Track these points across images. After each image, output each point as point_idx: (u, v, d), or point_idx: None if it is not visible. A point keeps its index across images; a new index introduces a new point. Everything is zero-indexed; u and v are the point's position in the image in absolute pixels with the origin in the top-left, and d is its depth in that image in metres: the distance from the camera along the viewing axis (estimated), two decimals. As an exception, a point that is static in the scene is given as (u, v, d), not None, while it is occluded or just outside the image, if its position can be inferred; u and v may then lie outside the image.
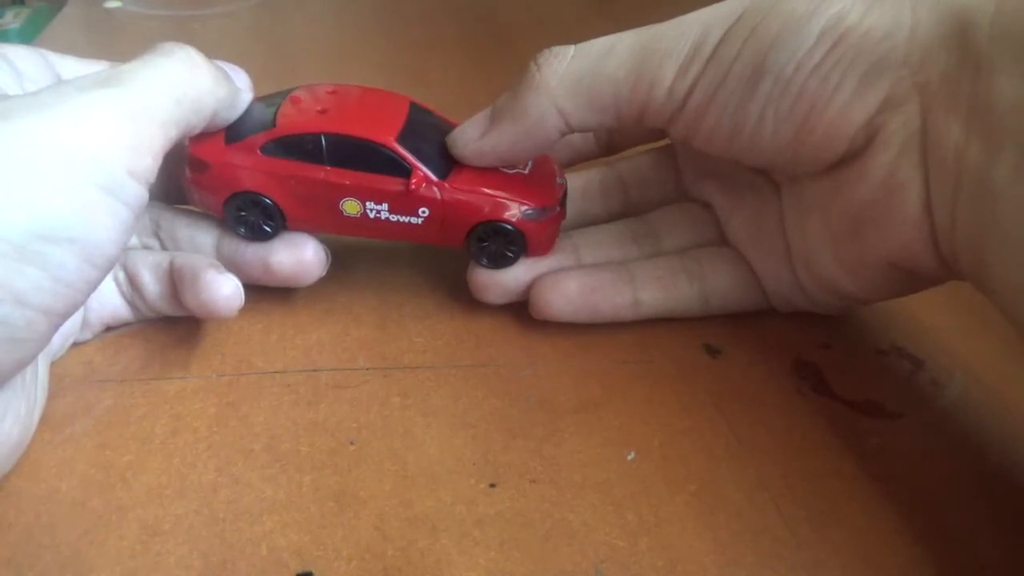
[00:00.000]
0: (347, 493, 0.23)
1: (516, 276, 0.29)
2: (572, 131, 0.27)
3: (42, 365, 0.24)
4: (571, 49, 0.26)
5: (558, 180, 0.29)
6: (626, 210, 0.33)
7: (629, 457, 0.24)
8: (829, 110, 0.24)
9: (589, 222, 0.33)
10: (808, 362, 0.29)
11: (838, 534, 0.22)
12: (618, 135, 0.34)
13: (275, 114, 0.27)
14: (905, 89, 0.23)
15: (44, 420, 0.24)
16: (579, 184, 0.33)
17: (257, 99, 0.27)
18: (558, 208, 0.29)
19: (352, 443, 0.24)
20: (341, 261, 0.30)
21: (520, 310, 0.30)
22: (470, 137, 0.27)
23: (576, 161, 0.34)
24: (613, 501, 0.23)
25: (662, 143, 0.34)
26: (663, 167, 0.33)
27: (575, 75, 0.25)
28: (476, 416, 0.26)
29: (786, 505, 0.23)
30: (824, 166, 0.26)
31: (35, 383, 0.23)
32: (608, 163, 0.34)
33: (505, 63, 0.55)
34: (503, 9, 0.66)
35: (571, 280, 0.28)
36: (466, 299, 0.30)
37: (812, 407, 0.27)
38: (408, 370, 0.27)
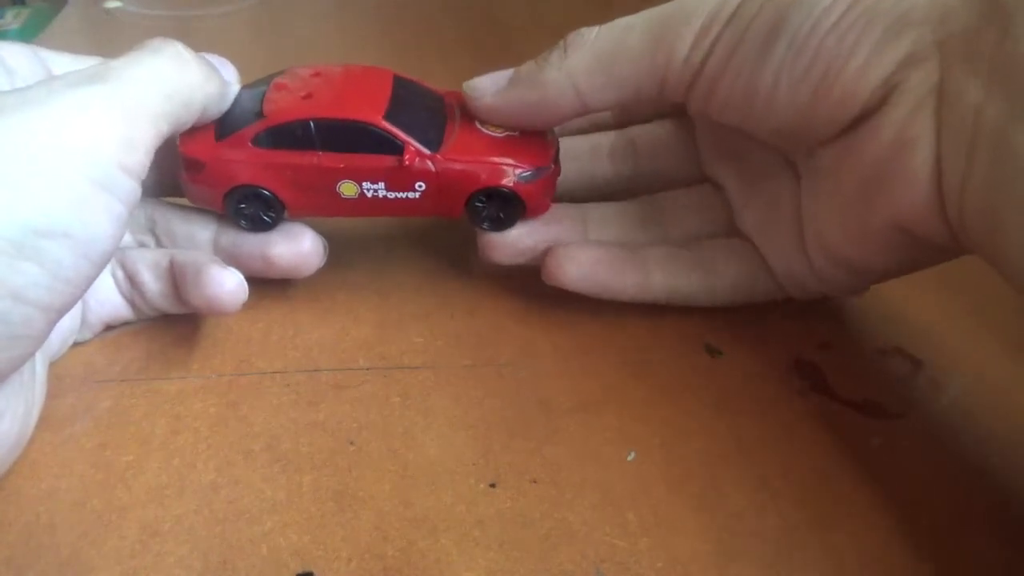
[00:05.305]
0: (347, 493, 0.23)
1: (519, 236, 0.29)
2: (588, 111, 0.27)
3: (40, 364, 0.24)
4: (596, 29, 0.27)
5: (548, 137, 0.29)
6: (635, 177, 0.33)
7: (629, 457, 0.24)
8: (846, 70, 0.23)
9: (595, 184, 0.33)
10: (808, 362, 0.29)
11: (838, 534, 0.22)
12: (636, 115, 0.34)
13: (261, 104, 0.26)
14: (925, 46, 0.22)
15: (44, 420, 0.24)
16: (587, 145, 0.33)
17: (241, 88, 0.27)
18: (552, 166, 0.29)
19: (352, 443, 0.24)
20: (341, 260, 0.30)
21: (520, 310, 0.30)
22: (487, 89, 0.28)
23: (591, 130, 0.34)
24: (613, 501, 0.23)
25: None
26: (678, 138, 0.33)
27: (596, 53, 0.26)
28: (476, 416, 0.26)
29: (786, 505, 0.23)
30: (838, 129, 0.25)
31: (33, 382, 0.23)
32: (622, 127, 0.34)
33: (505, 63, 0.55)
34: (503, 9, 0.66)
35: (588, 250, 0.29)
36: (466, 299, 0.30)
37: (812, 407, 0.27)
38: (408, 370, 0.27)
